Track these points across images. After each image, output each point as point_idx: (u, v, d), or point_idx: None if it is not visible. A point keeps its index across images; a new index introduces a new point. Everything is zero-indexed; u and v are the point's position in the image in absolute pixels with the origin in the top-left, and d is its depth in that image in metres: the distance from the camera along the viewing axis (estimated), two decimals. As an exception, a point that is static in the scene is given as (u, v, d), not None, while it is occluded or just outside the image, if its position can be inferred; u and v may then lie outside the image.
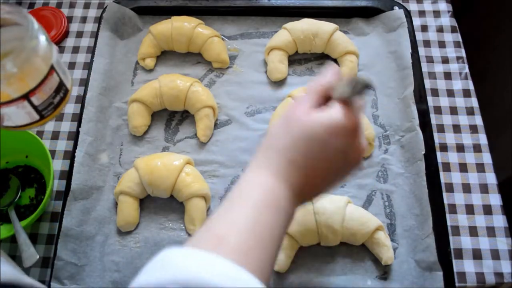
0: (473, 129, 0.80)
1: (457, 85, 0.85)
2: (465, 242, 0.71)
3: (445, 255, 0.66)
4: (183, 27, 0.84)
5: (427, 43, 0.89)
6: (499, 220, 0.73)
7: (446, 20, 0.92)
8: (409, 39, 0.83)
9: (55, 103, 0.51)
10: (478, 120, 0.81)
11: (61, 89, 0.51)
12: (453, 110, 0.82)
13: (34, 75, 0.47)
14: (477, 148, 0.78)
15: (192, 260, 0.35)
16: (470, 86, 0.84)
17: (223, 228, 0.40)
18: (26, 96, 0.47)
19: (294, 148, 0.46)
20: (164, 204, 0.74)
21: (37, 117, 0.50)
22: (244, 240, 0.39)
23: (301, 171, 0.46)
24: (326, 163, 0.47)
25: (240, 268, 0.35)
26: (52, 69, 0.49)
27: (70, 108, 0.85)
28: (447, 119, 0.81)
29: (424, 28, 0.91)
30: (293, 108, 0.49)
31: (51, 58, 0.48)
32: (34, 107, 0.49)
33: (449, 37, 0.90)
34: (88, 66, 0.86)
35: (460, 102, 0.83)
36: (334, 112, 0.46)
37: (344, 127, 0.46)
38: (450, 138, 0.80)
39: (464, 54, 0.88)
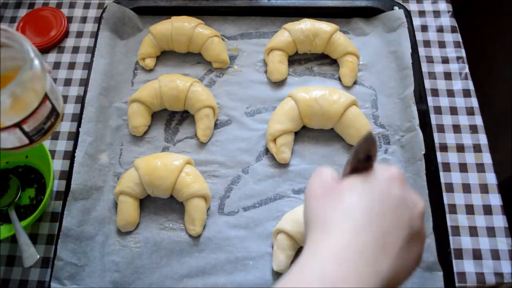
0: (473, 129, 0.80)
1: (457, 85, 0.85)
2: (465, 242, 0.71)
3: (445, 255, 0.66)
4: (183, 27, 0.84)
5: (427, 43, 0.89)
6: (499, 220, 0.73)
7: (446, 20, 0.92)
8: (409, 39, 0.83)
9: (45, 128, 0.51)
10: (478, 120, 0.81)
11: (53, 115, 0.51)
12: (453, 110, 0.82)
13: (28, 105, 0.47)
14: (477, 148, 0.79)
15: None
16: (470, 86, 0.84)
17: None
18: (18, 125, 0.47)
19: (369, 220, 0.35)
20: (164, 204, 0.74)
21: (26, 141, 0.50)
22: None
23: (389, 251, 0.35)
24: (402, 222, 0.37)
25: None
26: (45, 97, 0.49)
27: (70, 108, 0.85)
28: (447, 119, 0.81)
29: (424, 28, 0.91)
30: (326, 182, 0.40)
31: (45, 87, 0.48)
32: (25, 133, 0.49)
33: (449, 37, 0.90)
34: (88, 66, 0.86)
35: (460, 102, 0.83)
36: (378, 169, 0.40)
37: (394, 174, 0.39)
38: (450, 138, 0.80)
39: (464, 54, 0.88)
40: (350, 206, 0.36)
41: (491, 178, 0.76)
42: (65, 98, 0.86)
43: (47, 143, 0.81)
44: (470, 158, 0.78)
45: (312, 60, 0.87)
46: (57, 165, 0.79)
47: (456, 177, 0.76)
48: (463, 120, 0.81)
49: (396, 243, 0.35)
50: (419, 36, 0.89)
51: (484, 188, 0.75)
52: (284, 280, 0.33)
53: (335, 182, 0.40)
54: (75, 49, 0.92)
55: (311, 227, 0.37)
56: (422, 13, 0.93)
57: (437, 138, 0.79)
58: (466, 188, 0.75)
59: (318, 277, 0.32)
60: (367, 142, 0.39)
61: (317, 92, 0.76)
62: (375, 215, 0.36)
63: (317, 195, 0.39)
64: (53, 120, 0.52)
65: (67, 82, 0.88)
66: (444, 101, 0.83)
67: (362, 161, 0.40)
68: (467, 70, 0.86)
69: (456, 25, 0.91)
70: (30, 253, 0.66)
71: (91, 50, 0.86)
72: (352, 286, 0.31)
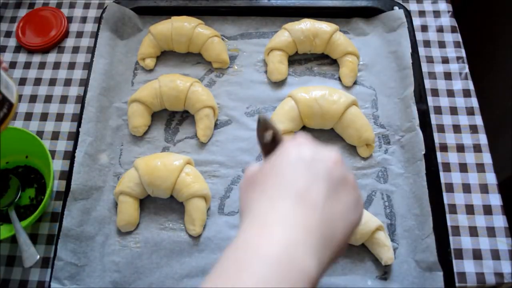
0: (473, 129, 0.80)
1: (457, 85, 0.85)
2: (465, 242, 0.71)
3: (445, 255, 0.66)
4: (183, 27, 0.84)
5: (427, 43, 0.89)
6: (499, 220, 0.73)
7: (446, 20, 0.92)
8: (409, 39, 0.83)
9: None
10: (478, 120, 0.81)
11: (4, 105, 0.48)
12: (453, 110, 0.82)
13: None
14: (477, 148, 0.78)
15: None
16: (470, 86, 0.84)
17: None
18: None
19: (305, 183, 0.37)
20: (164, 205, 0.74)
21: None
22: None
23: (313, 205, 0.36)
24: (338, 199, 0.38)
25: None
26: None
27: (70, 108, 0.85)
28: (447, 119, 0.81)
29: (424, 28, 0.91)
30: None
31: None
32: None
33: (449, 37, 0.90)
34: (88, 66, 0.86)
35: (460, 102, 0.83)
36: (286, 142, 0.42)
37: (299, 139, 0.42)
38: (450, 138, 0.80)
39: (464, 54, 0.88)
40: (265, 187, 0.38)
41: (491, 178, 0.76)
42: (65, 98, 0.86)
43: (47, 143, 0.81)
44: (470, 158, 0.78)
45: (312, 60, 0.87)
46: (57, 165, 0.79)
47: (456, 177, 0.76)
48: (463, 120, 0.81)
49: (317, 197, 0.36)
50: (419, 36, 0.89)
51: (484, 188, 0.75)
52: (221, 276, 0.32)
53: (257, 172, 0.41)
54: (75, 49, 0.92)
55: (243, 217, 0.39)
56: (422, 13, 0.93)
57: (437, 138, 0.79)
58: (466, 188, 0.75)
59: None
60: (260, 124, 0.43)
61: (317, 92, 0.76)
62: (287, 182, 0.37)
63: (242, 187, 0.42)
64: (5, 111, 0.49)
65: (67, 82, 0.88)
66: (444, 101, 0.83)
67: (268, 144, 0.43)
68: (467, 70, 0.86)
69: (456, 25, 0.91)
70: (30, 253, 0.66)
71: (91, 50, 0.86)
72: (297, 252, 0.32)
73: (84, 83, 0.83)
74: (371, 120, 0.79)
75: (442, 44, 0.89)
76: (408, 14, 0.86)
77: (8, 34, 0.94)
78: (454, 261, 0.69)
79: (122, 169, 0.77)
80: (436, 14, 0.92)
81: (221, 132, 0.80)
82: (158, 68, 0.87)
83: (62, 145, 0.81)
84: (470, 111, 0.82)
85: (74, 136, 0.77)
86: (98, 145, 0.77)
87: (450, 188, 0.75)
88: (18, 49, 0.92)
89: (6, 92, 0.49)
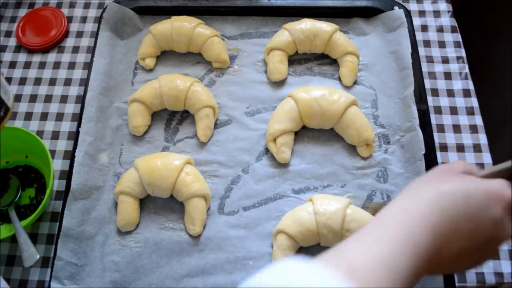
0: (473, 129, 0.80)
1: (457, 85, 0.85)
2: (465, 242, 0.71)
3: (445, 255, 0.66)
4: (183, 27, 0.84)
5: (427, 43, 0.89)
6: (499, 220, 0.72)
7: (446, 20, 0.92)
8: (409, 39, 0.83)
9: None
10: (478, 120, 0.81)
11: (1, 108, 0.49)
12: (453, 110, 0.82)
13: None
14: (477, 148, 0.79)
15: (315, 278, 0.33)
16: (470, 86, 0.84)
17: (356, 257, 0.37)
18: None
19: (449, 200, 0.42)
20: (164, 204, 0.74)
21: None
22: (373, 279, 0.35)
23: (449, 227, 0.41)
24: (473, 232, 0.43)
25: None
26: None
27: (70, 108, 0.85)
28: (447, 119, 0.81)
29: (424, 28, 0.91)
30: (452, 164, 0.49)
31: None
32: None
33: (449, 37, 0.90)
34: (88, 66, 0.86)
35: (460, 102, 0.83)
36: (496, 182, 0.45)
37: (504, 199, 0.44)
38: (450, 138, 0.80)
39: (464, 54, 0.88)
40: (436, 193, 0.43)
41: (491, 178, 0.76)
42: (65, 98, 0.86)
43: (47, 143, 0.81)
44: (470, 158, 0.78)
45: (312, 60, 0.87)
46: (57, 165, 0.79)
47: (456, 177, 0.76)
48: (463, 120, 0.81)
49: (450, 252, 0.42)
50: (419, 36, 0.89)
51: (484, 188, 0.75)
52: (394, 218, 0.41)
53: (454, 173, 0.47)
54: (75, 49, 0.92)
55: (403, 192, 0.46)
56: (422, 13, 0.93)
57: (437, 138, 0.79)
58: (466, 188, 0.75)
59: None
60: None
61: (317, 92, 0.76)
62: (461, 221, 0.42)
63: (426, 176, 0.48)
64: (1, 114, 0.50)
65: (67, 82, 0.88)
66: (444, 101, 0.83)
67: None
68: (467, 70, 0.86)
69: (456, 25, 0.91)
70: (30, 253, 0.66)
71: (91, 50, 0.86)
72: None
73: (84, 83, 0.83)
74: (371, 120, 0.79)
75: (442, 44, 0.89)
76: (408, 14, 0.86)
77: (8, 34, 0.94)
78: (454, 261, 0.69)
79: (122, 169, 0.77)
80: (436, 14, 0.93)
81: (221, 132, 0.80)
82: (158, 68, 0.87)
83: (62, 144, 0.81)
84: (470, 111, 0.82)
85: (74, 136, 0.77)
86: (98, 144, 0.77)
87: (450, 188, 0.75)
88: (18, 49, 0.92)
89: (4, 97, 0.50)
